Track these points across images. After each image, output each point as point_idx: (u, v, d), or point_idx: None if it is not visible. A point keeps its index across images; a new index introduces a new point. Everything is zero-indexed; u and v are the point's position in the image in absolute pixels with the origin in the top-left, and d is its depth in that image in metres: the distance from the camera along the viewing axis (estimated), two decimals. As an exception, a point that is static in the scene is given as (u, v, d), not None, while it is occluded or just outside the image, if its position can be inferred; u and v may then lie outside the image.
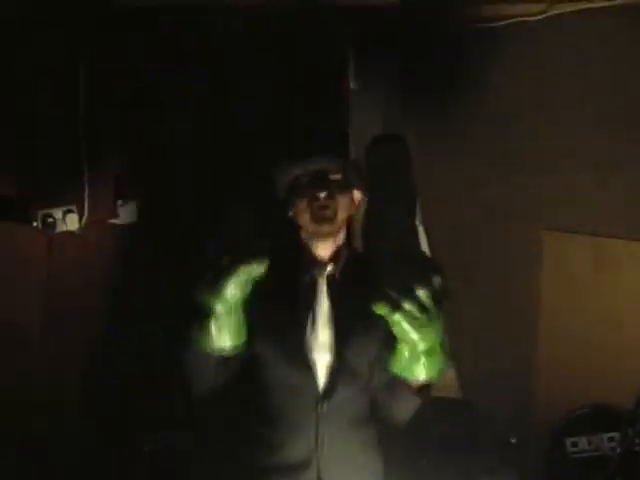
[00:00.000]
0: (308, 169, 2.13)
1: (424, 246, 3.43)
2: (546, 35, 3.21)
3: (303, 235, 2.20)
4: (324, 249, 2.18)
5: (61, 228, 2.97)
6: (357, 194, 2.26)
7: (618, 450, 3.13)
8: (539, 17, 3.19)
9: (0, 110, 2.83)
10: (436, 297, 1.60)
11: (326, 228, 2.12)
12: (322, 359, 2.10)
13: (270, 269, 1.82)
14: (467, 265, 3.39)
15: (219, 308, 1.73)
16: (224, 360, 1.88)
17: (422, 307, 1.58)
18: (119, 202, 3.14)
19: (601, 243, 3.25)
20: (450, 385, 3.61)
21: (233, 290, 1.69)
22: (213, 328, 1.77)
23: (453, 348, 3.56)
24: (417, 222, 3.44)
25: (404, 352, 1.73)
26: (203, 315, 1.76)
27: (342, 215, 2.14)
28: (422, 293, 1.58)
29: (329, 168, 2.13)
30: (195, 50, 3.22)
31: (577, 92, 3.23)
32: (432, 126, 3.45)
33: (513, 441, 3.49)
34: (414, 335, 1.62)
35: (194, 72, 3.26)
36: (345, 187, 2.16)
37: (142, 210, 3.20)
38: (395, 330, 1.63)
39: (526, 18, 3.21)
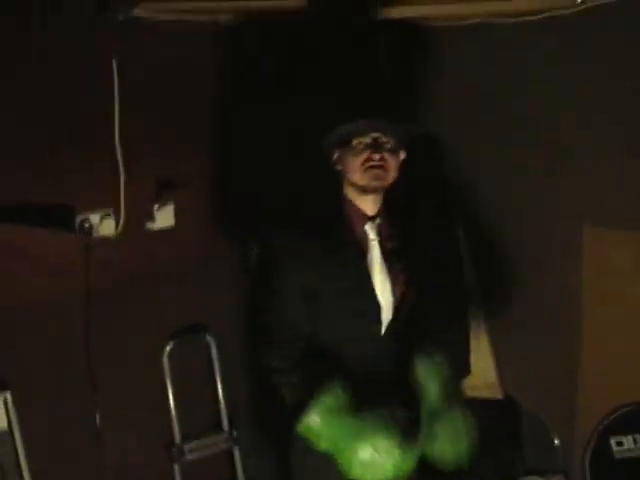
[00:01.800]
0: (363, 129, 2.30)
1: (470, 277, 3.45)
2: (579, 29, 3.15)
3: (349, 191, 2.40)
4: (372, 203, 2.39)
5: (97, 233, 2.91)
6: (402, 154, 2.39)
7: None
8: (572, 10, 3.13)
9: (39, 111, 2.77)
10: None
11: (377, 183, 2.32)
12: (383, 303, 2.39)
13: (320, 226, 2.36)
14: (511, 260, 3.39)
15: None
16: None
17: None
18: (156, 206, 3.10)
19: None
20: (491, 385, 3.56)
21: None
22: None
23: (496, 345, 3.53)
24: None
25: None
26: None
27: (391, 174, 2.34)
28: None
29: (383, 130, 2.30)
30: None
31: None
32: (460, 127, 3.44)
33: (557, 442, 3.44)
34: None
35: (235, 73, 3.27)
36: (395, 149, 2.34)
37: (179, 214, 3.17)
38: None
39: (559, 12, 3.15)
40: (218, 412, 3.34)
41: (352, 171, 2.33)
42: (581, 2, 3.06)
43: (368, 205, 2.39)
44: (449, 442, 2.28)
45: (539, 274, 3.37)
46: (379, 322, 2.40)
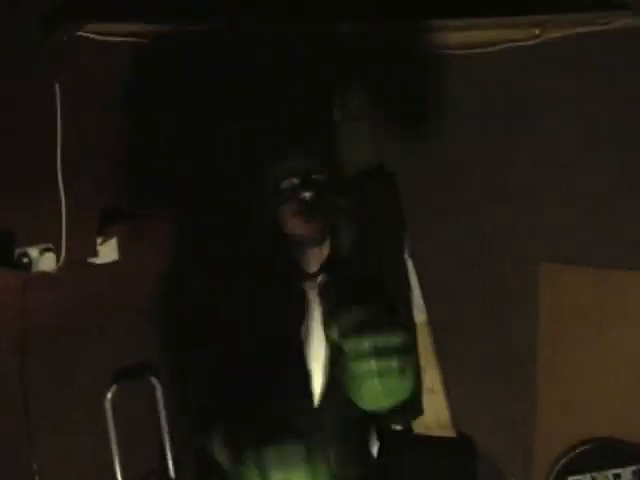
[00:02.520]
0: (293, 169, 2.05)
1: (413, 280, 3.30)
2: (539, 61, 3.13)
3: (290, 242, 2.07)
4: (313, 257, 2.08)
5: (37, 268, 2.72)
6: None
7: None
8: (531, 42, 3.11)
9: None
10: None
11: (313, 230, 2.04)
12: (317, 371, 2.05)
13: (257, 276, 2.02)
14: (465, 297, 3.28)
15: None
16: None
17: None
18: (99, 240, 2.92)
19: (601, 274, 3.16)
20: (444, 425, 3.48)
21: None
22: None
23: (448, 384, 3.45)
24: (406, 256, 3.31)
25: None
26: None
27: (326, 227, 2.07)
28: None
29: (314, 167, 2.06)
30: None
31: (569, 118, 3.16)
32: (422, 156, 3.35)
33: (514, 481, 3.38)
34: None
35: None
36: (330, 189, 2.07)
37: (123, 248, 2.99)
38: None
39: (518, 44, 3.13)
40: (164, 460, 3.15)
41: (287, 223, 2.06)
42: (538, 34, 3.07)
43: (309, 262, 2.09)
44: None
45: (493, 313, 3.30)
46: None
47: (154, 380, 3.09)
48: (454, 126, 3.30)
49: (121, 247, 2.98)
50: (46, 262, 2.75)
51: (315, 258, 2.09)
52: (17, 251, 2.68)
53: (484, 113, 3.27)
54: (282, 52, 3.07)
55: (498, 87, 3.23)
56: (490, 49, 3.16)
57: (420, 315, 3.36)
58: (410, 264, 3.31)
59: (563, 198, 3.19)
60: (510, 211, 3.29)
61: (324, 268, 2.09)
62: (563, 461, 3.24)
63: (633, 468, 3.12)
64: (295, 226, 2.03)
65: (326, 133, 3.20)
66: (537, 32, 3.07)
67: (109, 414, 2.95)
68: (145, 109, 3.03)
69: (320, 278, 2.07)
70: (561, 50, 3.07)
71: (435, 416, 3.45)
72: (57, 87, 2.72)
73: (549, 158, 3.18)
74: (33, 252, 2.71)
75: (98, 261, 2.93)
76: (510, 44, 3.13)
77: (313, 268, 2.08)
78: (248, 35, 3.01)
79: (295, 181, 2.02)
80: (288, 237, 2.05)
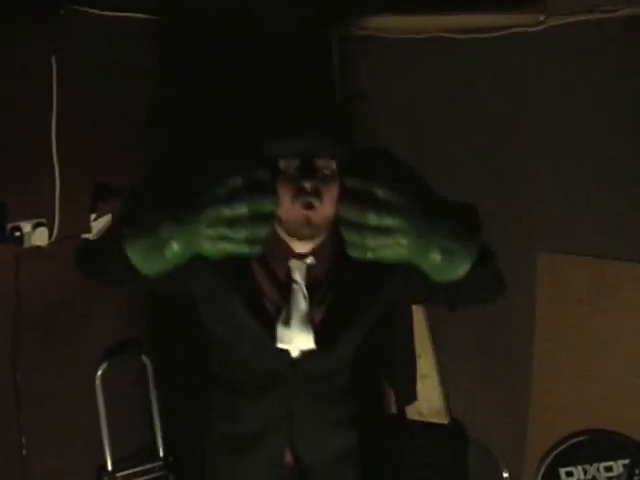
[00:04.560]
0: (292, 150, 1.79)
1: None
2: (544, 47, 3.08)
3: (278, 226, 1.89)
4: (302, 245, 1.91)
5: (29, 243, 2.71)
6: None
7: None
8: (536, 28, 3.06)
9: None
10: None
11: (306, 230, 1.82)
12: (294, 351, 1.97)
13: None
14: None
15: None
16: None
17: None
18: (92, 216, 2.90)
19: (597, 264, 3.12)
20: (437, 412, 3.47)
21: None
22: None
23: (442, 371, 3.44)
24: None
25: (425, 265, 1.45)
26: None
27: (328, 212, 1.81)
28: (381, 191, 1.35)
29: (317, 151, 1.79)
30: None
31: (573, 107, 3.11)
32: (420, 144, 3.32)
33: (506, 475, 3.36)
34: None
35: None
36: (335, 177, 1.81)
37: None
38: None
39: (522, 29, 3.08)
40: (154, 438, 3.15)
41: (281, 205, 1.77)
42: (544, 20, 3.02)
43: (296, 245, 1.92)
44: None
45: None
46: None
47: (145, 358, 3.09)
48: (452, 111, 3.27)
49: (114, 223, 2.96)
50: (39, 237, 2.72)
51: (306, 246, 1.92)
52: (9, 225, 2.64)
53: (481, 100, 3.23)
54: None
55: (498, 73, 3.19)
56: (495, 34, 3.12)
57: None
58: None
59: (560, 189, 3.15)
60: (509, 201, 3.25)
61: (316, 253, 1.93)
62: (555, 452, 3.23)
63: (624, 461, 3.09)
64: (290, 211, 1.80)
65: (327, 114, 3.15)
66: (542, 18, 3.02)
67: (99, 390, 2.96)
68: (144, 87, 3.02)
69: (309, 260, 1.92)
70: (565, 37, 3.01)
71: (428, 403, 3.45)
72: (54, 62, 2.68)
73: (547, 148, 3.14)
74: (26, 227, 2.68)
75: (91, 237, 2.89)
76: (515, 29, 3.07)
77: (303, 249, 1.93)
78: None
79: (295, 163, 1.79)
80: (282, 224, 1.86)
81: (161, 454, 3.13)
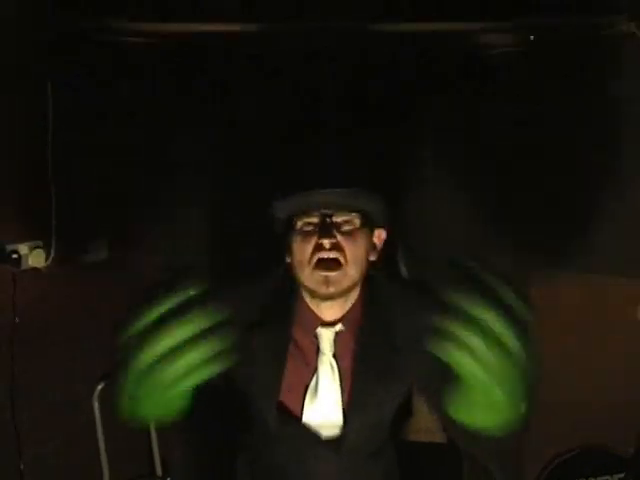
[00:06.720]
0: (308, 204, 1.65)
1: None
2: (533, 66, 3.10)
3: (304, 291, 1.75)
4: (330, 310, 1.76)
5: (27, 265, 2.73)
6: (381, 233, 1.80)
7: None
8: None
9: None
10: (517, 317, 1.12)
11: (328, 291, 1.66)
12: (326, 429, 1.79)
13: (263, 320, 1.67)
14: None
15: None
16: None
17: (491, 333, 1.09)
18: (89, 237, 2.93)
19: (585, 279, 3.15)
20: (432, 429, 3.47)
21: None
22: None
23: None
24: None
25: (467, 397, 1.24)
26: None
27: (355, 269, 1.66)
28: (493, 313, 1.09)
29: (336, 203, 1.63)
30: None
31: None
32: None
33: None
34: (483, 376, 1.12)
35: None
36: (360, 229, 1.68)
37: (113, 247, 3.00)
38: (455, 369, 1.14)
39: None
40: (151, 457, 3.16)
41: (298, 266, 1.67)
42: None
43: (324, 310, 1.76)
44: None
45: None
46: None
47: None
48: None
49: (111, 246, 2.99)
50: (36, 259, 2.74)
51: (334, 310, 1.77)
52: (8, 248, 2.67)
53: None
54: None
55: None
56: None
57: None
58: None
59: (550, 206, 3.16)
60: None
61: (343, 320, 1.77)
62: (550, 467, 3.23)
63: (620, 476, 3.11)
64: (308, 275, 1.67)
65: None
66: (532, 38, 3.04)
67: (97, 412, 2.96)
68: (137, 107, 3.04)
69: (339, 327, 1.77)
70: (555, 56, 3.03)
71: (423, 420, 3.45)
72: (49, 83, 2.71)
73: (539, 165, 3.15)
74: (23, 249, 2.70)
75: (88, 259, 2.93)
76: (504, 49, 3.10)
77: (330, 317, 1.77)
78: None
79: (313, 221, 1.67)
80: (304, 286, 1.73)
81: (159, 474, 3.15)
